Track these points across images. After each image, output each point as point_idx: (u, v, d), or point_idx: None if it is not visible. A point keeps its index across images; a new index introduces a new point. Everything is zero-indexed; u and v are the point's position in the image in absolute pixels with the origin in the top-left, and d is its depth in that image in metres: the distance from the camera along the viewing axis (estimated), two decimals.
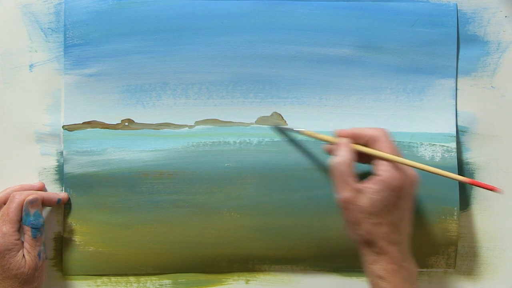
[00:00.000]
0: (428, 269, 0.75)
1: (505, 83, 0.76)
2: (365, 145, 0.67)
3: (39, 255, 0.70)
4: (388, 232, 0.64)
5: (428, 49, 0.75)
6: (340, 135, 0.69)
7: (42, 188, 0.74)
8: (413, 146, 0.75)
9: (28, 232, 0.69)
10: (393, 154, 0.65)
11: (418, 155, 0.74)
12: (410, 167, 0.66)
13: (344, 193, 0.65)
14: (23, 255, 0.69)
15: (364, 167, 0.69)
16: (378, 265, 0.65)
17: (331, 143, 0.70)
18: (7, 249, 0.67)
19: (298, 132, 0.73)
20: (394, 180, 0.64)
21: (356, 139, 0.68)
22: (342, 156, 0.66)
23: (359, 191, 0.65)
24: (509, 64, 0.76)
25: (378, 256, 0.65)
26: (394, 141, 0.67)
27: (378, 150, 0.66)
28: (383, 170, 0.65)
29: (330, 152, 0.70)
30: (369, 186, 0.65)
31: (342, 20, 0.75)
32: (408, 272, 0.65)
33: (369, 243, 0.65)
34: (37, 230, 0.70)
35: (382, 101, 0.75)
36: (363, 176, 0.67)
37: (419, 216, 0.74)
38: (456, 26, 0.75)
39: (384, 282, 0.64)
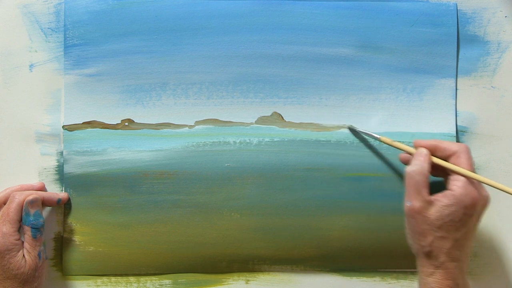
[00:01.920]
0: None
1: (505, 83, 0.76)
2: (444, 158, 0.68)
3: (39, 255, 0.70)
4: (451, 247, 0.64)
5: (428, 49, 0.75)
6: (420, 145, 0.69)
7: (42, 188, 0.74)
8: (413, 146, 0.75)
9: (28, 232, 0.69)
10: (471, 171, 0.65)
11: None
12: (484, 188, 0.66)
13: (415, 203, 0.65)
14: (23, 255, 0.68)
15: (435, 178, 0.69)
16: (434, 278, 0.65)
17: (408, 153, 0.70)
18: (7, 249, 0.67)
19: (375, 138, 0.73)
20: (467, 198, 0.64)
21: (434, 151, 0.68)
22: (419, 166, 0.66)
23: (429, 203, 0.65)
24: (509, 64, 0.76)
25: (436, 270, 0.65)
26: (472, 158, 0.68)
27: (455, 165, 0.66)
28: (457, 186, 0.65)
29: (405, 162, 0.71)
30: (441, 199, 0.65)
31: (342, 20, 0.75)
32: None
33: (430, 256, 0.65)
34: (37, 230, 0.70)
35: (382, 101, 0.75)
36: (434, 186, 0.67)
37: None
38: (456, 26, 0.75)
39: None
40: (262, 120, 0.75)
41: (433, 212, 0.64)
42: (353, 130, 0.75)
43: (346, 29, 0.75)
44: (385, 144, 0.73)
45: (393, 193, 0.74)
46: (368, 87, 0.75)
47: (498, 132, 0.76)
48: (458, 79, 0.75)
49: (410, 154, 0.69)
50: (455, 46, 0.75)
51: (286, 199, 0.74)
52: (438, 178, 0.69)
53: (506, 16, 0.75)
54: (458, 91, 0.75)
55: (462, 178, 0.65)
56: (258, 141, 0.75)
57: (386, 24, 0.75)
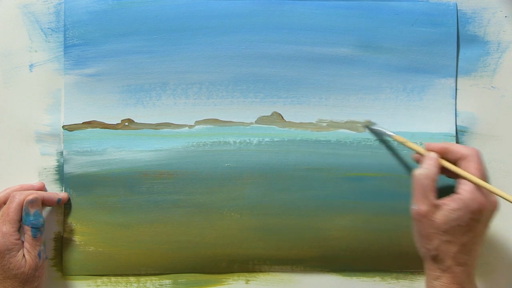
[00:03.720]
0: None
1: (505, 83, 0.76)
2: (454, 162, 0.67)
3: (39, 254, 0.70)
4: (457, 252, 0.64)
5: (428, 49, 0.75)
6: (430, 149, 0.69)
7: (42, 188, 0.74)
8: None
9: (28, 232, 0.69)
10: (481, 177, 0.65)
11: None
12: (492, 197, 0.66)
13: (421, 206, 0.65)
14: (23, 254, 0.69)
15: (450, 180, 0.69)
16: (440, 282, 0.65)
17: (419, 153, 0.70)
18: (7, 249, 0.67)
19: (389, 136, 0.73)
20: (474, 203, 0.64)
21: (445, 154, 0.68)
22: (426, 169, 0.66)
23: (436, 207, 0.65)
24: (509, 64, 0.76)
25: (442, 273, 0.65)
26: (484, 163, 0.67)
27: (465, 169, 0.66)
28: (465, 190, 0.65)
29: (418, 162, 0.71)
30: (448, 203, 0.65)
31: (342, 20, 0.75)
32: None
33: (436, 259, 0.65)
34: (37, 230, 0.70)
35: (382, 100, 0.75)
36: (446, 189, 0.68)
37: None
38: (456, 25, 0.75)
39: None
40: (262, 120, 0.75)
41: (440, 216, 0.64)
42: (368, 128, 0.75)
43: (346, 29, 0.75)
44: (385, 144, 0.73)
45: (393, 193, 0.74)
46: (368, 86, 0.75)
47: (498, 132, 0.76)
48: (458, 79, 0.75)
49: (421, 154, 0.69)
50: (455, 46, 0.75)
51: (286, 199, 0.75)
52: (450, 181, 0.69)
53: (506, 16, 0.75)
54: (458, 91, 0.75)
55: (469, 182, 0.65)
56: (258, 141, 0.75)
57: (386, 24, 0.75)
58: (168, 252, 0.75)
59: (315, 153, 0.75)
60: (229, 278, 0.76)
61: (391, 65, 0.75)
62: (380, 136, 0.75)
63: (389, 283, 0.76)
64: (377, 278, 0.76)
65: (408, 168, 0.74)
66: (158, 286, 0.76)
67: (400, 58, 0.75)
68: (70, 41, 0.74)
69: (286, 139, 0.75)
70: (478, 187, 0.64)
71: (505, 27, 0.76)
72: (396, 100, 0.75)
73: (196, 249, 0.75)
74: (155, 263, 0.75)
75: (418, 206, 0.65)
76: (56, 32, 0.75)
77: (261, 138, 0.75)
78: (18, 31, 0.75)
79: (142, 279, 0.76)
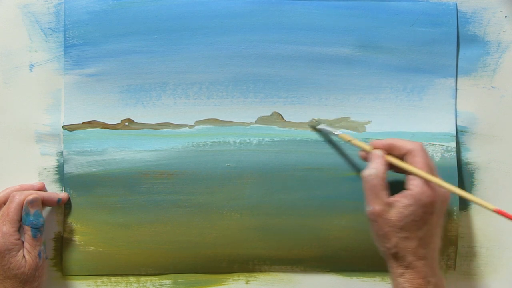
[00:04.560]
0: None
1: (505, 83, 0.76)
2: (401, 157, 0.68)
3: (39, 254, 0.70)
4: (416, 246, 0.64)
5: (428, 49, 0.75)
6: (376, 146, 0.69)
7: (42, 188, 0.74)
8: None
9: (28, 232, 0.69)
10: (428, 170, 0.65)
11: None
12: (440, 188, 0.66)
13: (375, 206, 0.65)
14: (23, 255, 0.69)
15: (400, 176, 0.69)
16: (404, 279, 0.64)
17: (366, 151, 0.70)
18: (7, 249, 0.67)
19: (335, 135, 0.73)
20: (425, 196, 0.64)
21: (391, 150, 0.68)
22: (374, 169, 0.66)
23: (389, 205, 0.65)
24: (509, 64, 0.76)
25: (405, 270, 0.65)
26: (429, 156, 0.67)
27: (411, 164, 0.66)
28: (414, 185, 0.65)
29: (365, 160, 0.71)
30: (400, 200, 0.64)
31: (341, 20, 0.75)
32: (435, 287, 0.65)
33: (397, 257, 0.65)
34: (37, 230, 0.70)
35: (382, 100, 0.75)
36: (397, 185, 0.68)
37: None
38: (456, 25, 0.75)
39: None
40: (262, 120, 0.75)
41: (394, 214, 0.64)
42: (314, 128, 0.75)
43: (346, 28, 0.75)
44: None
45: (393, 193, 0.74)
46: (368, 86, 0.75)
47: (498, 132, 0.76)
48: (458, 79, 0.75)
49: (367, 152, 0.70)
50: (455, 45, 0.75)
51: (286, 199, 0.74)
52: (400, 176, 0.70)
53: (506, 16, 0.75)
54: (458, 91, 0.75)
55: (411, 177, 0.65)
56: (258, 141, 0.75)
57: (385, 24, 0.75)
58: (168, 252, 0.75)
59: (315, 153, 0.75)
60: (229, 278, 0.76)
61: (391, 65, 0.75)
62: (327, 136, 0.75)
63: (389, 283, 0.76)
64: (377, 278, 0.76)
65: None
66: (158, 286, 0.76)
67: (400, 58, 0.75)
68: (70, 41, 0.74)
69: (286, 139, 0.75)
70: (426, 181, 0.65)
71: (505, 27, 0.76)
72: (396, 100, 0.75)
73: (196, 249, 0.75)
74: (155, 263, 0.75)
75: (372, 206, 0.65)
76: (56, 32, 0.75)
77: (261, 138, 0.75)
78: (18, 31, 0.75)
79: (142, 279, 0.76)
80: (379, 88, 0.75)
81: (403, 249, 0.64)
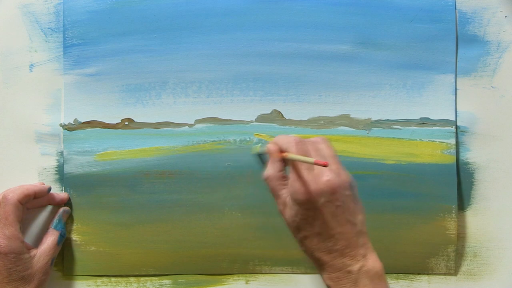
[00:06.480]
0: (428, 274, 0.75)
1: (505, 83, 0.76)
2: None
3: (52, 260, 0.71)
4: (318, 243, 0.61)
5: (427, 45, 0.75)
6: (269, 148, 0.66)
7: (44, 191, 0.73)
8: (413, 143, 0.75)
9: (54, 236, 0.71)
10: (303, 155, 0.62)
11: (418, 152, 0.75)
12: (321, 179, 0.61)
13: (278, 207, 0.64)
14: (34, 256, 0.69)
15: None
16: (324, 275, 0.62)
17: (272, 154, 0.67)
18: (13, 251, 0.67)
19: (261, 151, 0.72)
20: (298, 195, 0.61)
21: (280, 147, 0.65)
22: (269, 170, 0.64)
23: (285, 205, 0.63)
24: (509, 64, 0.76)
25: (321, 267, 0.62)
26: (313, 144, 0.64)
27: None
28: (289, 185, 0.63)
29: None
30: (288, 199, 0.63)
31: (340, 17, 0.75)
32: (360, 274, 0.61)
33: (310, 257, 0.63)
34: (63, 238, 0.73)
35: (382, 97, 0.75)
36: None
37: (417, 215, 0.74)
38: (455, 21, 0.75)
39: None
40: (262, 118, 0.75)
41: (287, 214, 0.63)
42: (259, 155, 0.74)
43: (344, 25, 0.75)
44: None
45: (393, 192, 0.74)
46: (368, 83, 0.75)
47: (498, 132, 0.76)
48: (458, 79, 0.75)
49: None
50: (454, 41, 0.75)
51: None
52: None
53: (506, 16, 0.75)
54: (458, 91, 0.75)
55: (289, 176, 0.63)
56: (259, 139, 0.75)
57: (384, 20, 0.75)
58: (168, 252, 0.75)
59: None
60: (229, 278, 0.76)
61: (390, 62, 0.75)
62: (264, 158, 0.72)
63: (389, 283, 0.76)
64: None
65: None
66: (158, 286, 0.76)
67: (399, 55, 0.75)
68: (70, 41, 0.74)
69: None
70: (296, 177, 0.61)
71: (505, 27, 0.76)
72: (396, 96, 0.75)
73: (197, 248, 0.75)
74: (155, 263, 0.75)
75: (278, 207, 0.64)
76: (56, 32, 0.75)
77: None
78: (18, 31, 0.75)
79: (142, 279, 0.76)
80: (379, 85, 0.75)
81: (309, 248, 0.62)
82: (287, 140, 0.64)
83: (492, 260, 0.76)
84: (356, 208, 0.63)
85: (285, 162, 0.64)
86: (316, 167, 0.61)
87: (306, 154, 0.62)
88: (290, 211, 0.62)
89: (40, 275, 0.69)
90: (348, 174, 0.62)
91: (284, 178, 0.64)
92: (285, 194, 0.63)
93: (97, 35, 0.74)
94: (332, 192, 0.60)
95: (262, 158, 0.72)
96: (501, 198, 0.75)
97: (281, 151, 0.64)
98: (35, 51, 0.75)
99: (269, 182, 0.64)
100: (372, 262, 0.62)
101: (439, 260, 0.75)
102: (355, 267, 0.61)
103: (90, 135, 0.75)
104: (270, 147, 0.65)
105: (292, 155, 0.62)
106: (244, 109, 0.75)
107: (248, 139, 0.75)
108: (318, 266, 0.63)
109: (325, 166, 0.58)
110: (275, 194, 0.64)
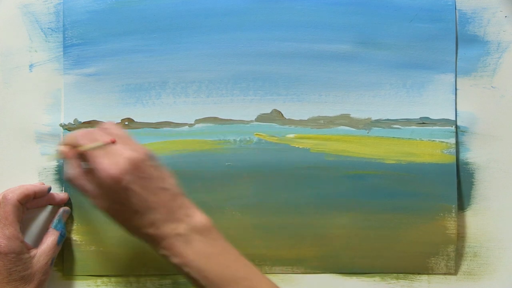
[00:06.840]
0: (428, 274, 0.75)
1: (505, 83, 0.76)
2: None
3: (52, 259, 0.71)
4: (140, 219, 0.62)
5: (427, 44, 0.75)
6: (60, 149, 0.66)
7: (44, 191, 0.73)
8: (413, 143, 0.75)
9: (54, 236, 0.71)
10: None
11: (418, 152, 0.75)
12: (120, 159, 0.61)
13: (92, 202, 0.64)
14: (34, 256, 0.69)
15: None
16: (159, 250, 0.63)
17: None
18: (14, 251, 0.67)
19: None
20: (104, 182, 0.61)
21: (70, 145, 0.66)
22: (69, 171, 0.65)
23: (97, 197, 0.64)
24: (509, 64, 0.76)
25: (153, 242, 0.63)
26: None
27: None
28: (93, 177, 0.63)
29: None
30: (97, 192, 0.63)
31: (340, 16, 0.75)
32: (190, 233, 0.63)
33: (137, 237, 0.64)
34: (63, 237, 0.72)
35: (382, 97, 0.75)
36: None
37: (417, 214, 0.74)
38: (455, 20, 0.75)
39: (174, 259, 0.63)
40: (262, 118, 0.75)
41: (102, 205, 0.63)
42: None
43: (344, 25, 0.75)
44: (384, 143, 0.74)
45: (393, 191, 0.74)
46: (368, 83, 0.75)
47: (498, 132, 0.76)
48: (458, 79, 0.75)
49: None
50: (454, 41, 0.75)
51: (287, 198, 0.74)
52: None
53: (506, 16, 0.75)
54: (458, 91, 0.75)
55: (91, 168, 0.63)
56: (259, 139, 0.75)
57: (384, 20, 0.75)
58: None
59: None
60: None
61: (390, 61, 0.75)
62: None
63: (389, 283, 0.76)
64: (377, 278, 0.76)
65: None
66: (158, 286, 0.76)
67: (399, 54, 0.75)
68: (69, 41, 0.75)
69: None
70: (99, 166, 0.61)
71: (505, 27, 0.76)
72: (396, 96, 0.75)
73: None
74: (155, 263, 0.75)
75: (92, 203, 0.64)
76: (56, 32, 0.75)
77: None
78: (18, 31, 0.75)
79: (142, 279, 0.76)
80: (379, 85, 0.75)
81: (134, 228, 0.63)
82: (74, 135, 0.65)
83: (492, 260, 0.76)
84: (163, 174, 0.64)
85: (83, 158, 0.64)
86: (112, 151, 0.62)
87: (96, 141, 0.63)
88: (103, 202, 0.63)
89: (40, 275, 0.69)
90: (144, 147, 0.64)
91: (87, 173, 0.64)
92: (92, 187, 0.63)
93: (97, 35, 0.74)
94: (135, 167, 0.62)
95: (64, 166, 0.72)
96: (501, 198, 0.75)
97: (73, 148, 0.64)
98: (35, 51, 0.75)
99: (74, 182, 0.64)
100: (198, 218, 0.64)
101: (439, 260, 0.75)
102: (182, 227, 0.63)
103: None
104: (61, 148, 0.65)
105: (83, 146, 0.63)
106: (244, 108, 0.75)
107: (248, 139, 0.75)
108: (150, 243, 0.63)
109: (113, 143, 0.61)
110: (84, 191, 0.64)
